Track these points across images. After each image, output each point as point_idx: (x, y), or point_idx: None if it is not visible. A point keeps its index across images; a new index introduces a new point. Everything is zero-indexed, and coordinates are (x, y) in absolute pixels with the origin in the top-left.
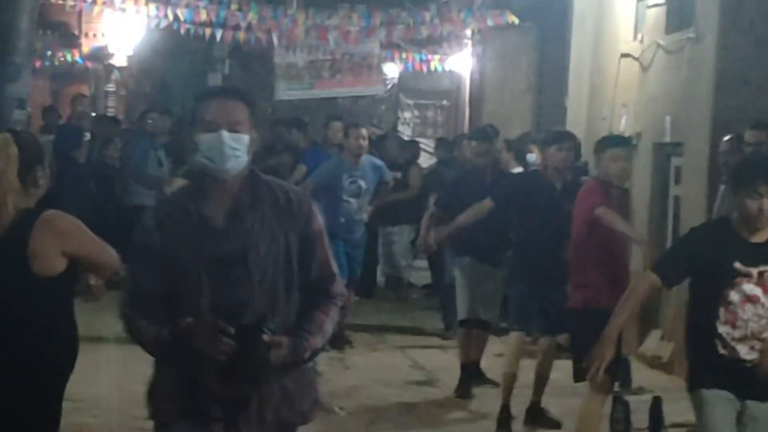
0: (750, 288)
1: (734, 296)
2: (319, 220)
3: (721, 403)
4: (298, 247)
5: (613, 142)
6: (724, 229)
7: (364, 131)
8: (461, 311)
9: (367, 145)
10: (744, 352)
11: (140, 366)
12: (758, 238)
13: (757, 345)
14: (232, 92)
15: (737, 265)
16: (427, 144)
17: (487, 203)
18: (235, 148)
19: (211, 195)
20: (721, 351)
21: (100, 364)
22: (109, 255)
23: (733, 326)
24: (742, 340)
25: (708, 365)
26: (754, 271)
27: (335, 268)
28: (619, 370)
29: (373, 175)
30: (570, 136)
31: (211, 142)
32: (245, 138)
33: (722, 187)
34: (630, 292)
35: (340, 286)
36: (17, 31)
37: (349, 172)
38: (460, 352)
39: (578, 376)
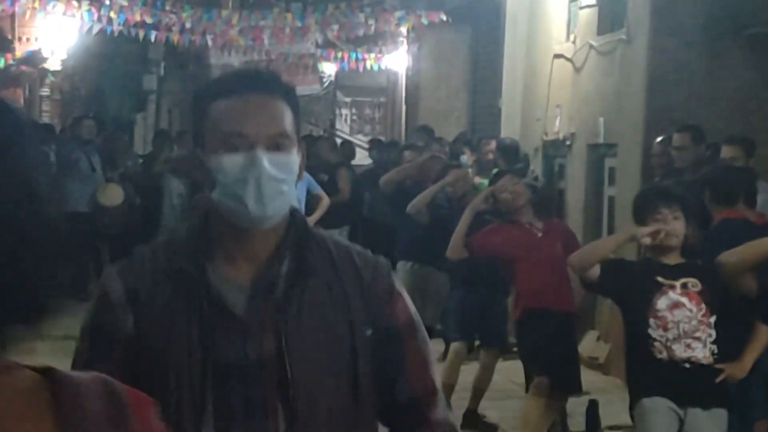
0: (675, 296)
1: (661, 304)
2: (407, 303)
3: (663, 412)
4: (374, 349)
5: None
6: (643, 260)
7: None
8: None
9: None
10: (680, 351)
11: None
12: (673, 261)
13: (693, 343)
14: (267, 82)
15: (659, 278)
16: (364, 142)
17: None
18: (279, 179)
19: (228, 256)
20: (659, 356)
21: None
22: None
23: (665, 329)
24: (676, 339)
25: (648, 373)
26: (677, 282)
27: (437, 382)
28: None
29: (299, 187)
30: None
31: (238, 170)
32: (294, 161)
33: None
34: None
35: (443, 409)
36: None
37: None
38: None
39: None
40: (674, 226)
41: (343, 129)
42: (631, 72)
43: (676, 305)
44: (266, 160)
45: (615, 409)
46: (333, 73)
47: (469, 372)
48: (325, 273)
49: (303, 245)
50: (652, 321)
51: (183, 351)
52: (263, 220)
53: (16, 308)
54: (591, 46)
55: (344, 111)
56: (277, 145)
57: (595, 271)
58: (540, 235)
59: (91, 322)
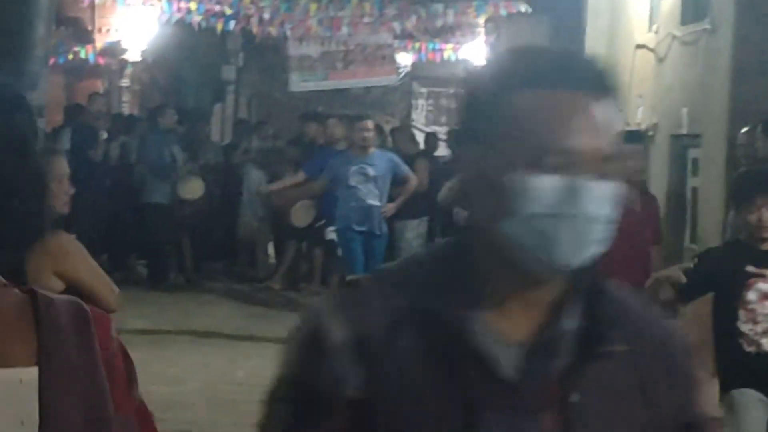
0: (766, 287)
1: (751, 296)
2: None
3: (753, 404)
4: None
5: None
6: (735, 244)
7: (369, 123)
8: None
9: (373, 136)
10: None
11: (162, 366)
12: (766, 246)
13: None
14: (600, 76)
15: (750, 268)
16: (440, 132)
17: None
18: (605, 220)
19: (500, 303)
20: (747, 349)
21: None
22: (106, 290)
23: (755, 322)
24: (765, 333)
25: (736, 366)
26: None
27: None
28: None
29: (386, 166)
30: None
31: (554, 201)
32: (619, 193)
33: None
34: None
35: None
36: (33, 39)
37: (355, 161)
38: None
39: None
40: (767, 217)
41: (419, 120)
42: (715, 62)
43: (766, 296)
44: (595, 192)
45: None
46: (409, 64)
47: None
48: (621, 336)
49: (595, 297)
50: (741, 313)
51: (431, 421)
52: (566, 270)
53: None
54: (674, 37)
55: (420, 102)
56: (604, 169)
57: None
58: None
59: (299, 378)
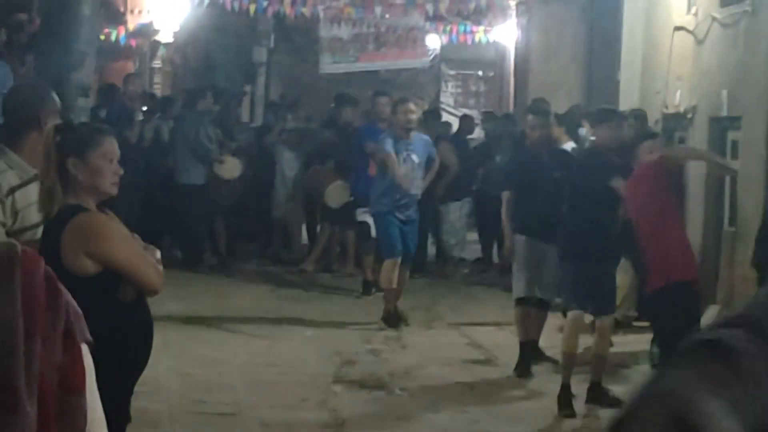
0: None
1: None
2: None
3: None
4: None
5: None
6: None
7: (412, 105)
8: (518, 289)
9: (415, 119)
10: None
11: (200, 348)
12: None
13: None
14: None
15: None
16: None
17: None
18: None
19: None
20: None
21: (159, 347)
22: (146, 271)
23: None
24: None
25: None
26: None
27: None
28: None
29: (424, 150)
30: (616, 114)
31: None
32: None
33: None
34: None
35: None
36: (80, 18)
37: (401, 147)
38: (519, 331)
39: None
40: None
41: (447, 102)
42: (755, 44)
43: None
44: None
45: None
46: (438, 47)
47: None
48: None
49: None
50: None
51: None
52: None
53: None
54: (713, 19)
55: (449, 84)
56: None
57: None
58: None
59: None
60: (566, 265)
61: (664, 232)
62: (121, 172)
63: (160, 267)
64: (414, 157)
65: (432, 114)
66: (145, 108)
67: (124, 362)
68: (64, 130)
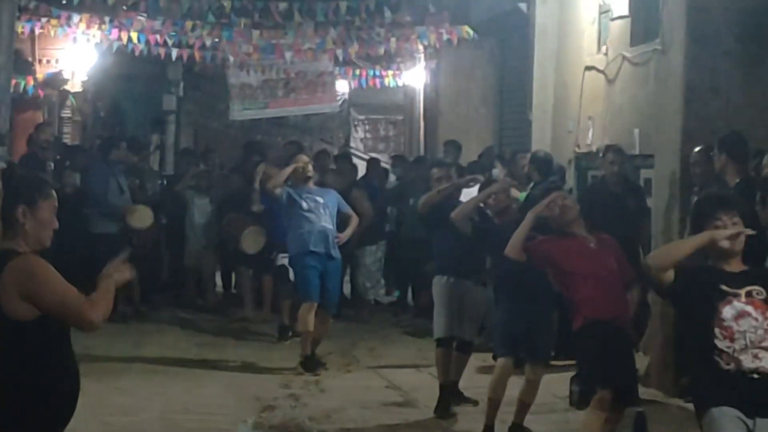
0: (740, 305)
1: (726, 314)
2: None
3: (731, 421)
4: None
5: None
6: (704, 266)
7: (304, 157)
8: (439, 329)
9: (311, 169)
10: (748, 361)
11: (117, 397)
12: (734, 268)
13: (760, 353)
14: None
15: (724, 287)
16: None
17: None
18: None
19: None
20: (725, 366)
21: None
22: (79, 307)
23: (732, 339)
24: (743, 350)
25: (715, 383)
26: (741, 291)
27: None
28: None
29: (330, 197)
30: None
31: None
32: None
33: (695, 199)
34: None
35: None
36: None
37: (301, 193)
38: (439, 372)
39: (582, 400)
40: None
41: (357, 147)
42: (666, 82)
43: (741, 314)
44: None
45: (655, 421)
46: (347, 92)
47: (514, 385)
48: None
49: None
50: (717, 331)
51: None
52: None
53: None
54: (624, 58)
55: (358, 129)
56: None
57: (670, 275)
58: (594, 247)
59: None
60: (502, 308)
61: None
62: (57, 225)
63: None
64: (318, 198)
65: (343, 158)
66: (58, 157)
67: (55, 411)
68: (13, 176)
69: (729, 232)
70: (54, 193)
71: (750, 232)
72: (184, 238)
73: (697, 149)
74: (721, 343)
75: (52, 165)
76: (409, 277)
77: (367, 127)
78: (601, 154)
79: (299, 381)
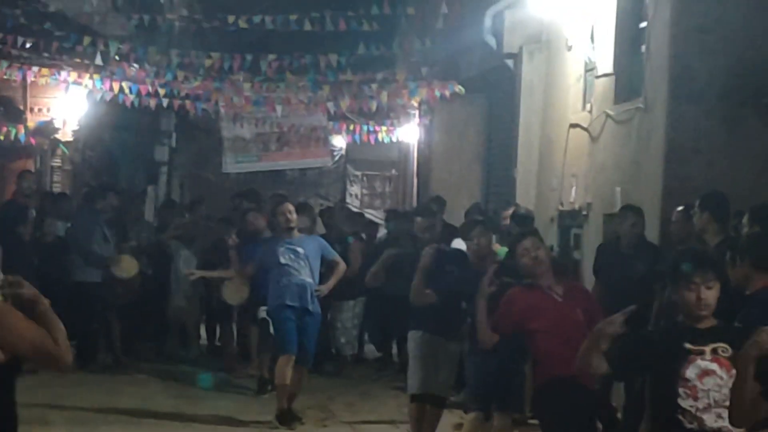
0: (705, 364)
1: (690, 373)
2: None
3: None
4: None
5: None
6: (672, 324)
7: (289, 206)
8: (413, 385)
9: (295, 218)
10: (711, 421)
11: None
12: (704, 324)
13: (723, 413)
14: None
15: (687, 345)
16: (374, 216)
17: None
18: None
19: None
20: (688, 426)
21: None
22: (51, 348)
23: (695, 398)
24: (706, 409)
25: None
26: (707, 348)
27: None
28: None
29: (314, 247)
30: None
31: None
32: None
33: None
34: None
35: None
36: None
37: (282, 243)
38: (413, 427)
39: None
40: (707, 295)
41: (353, 203)
42: (648, 140)
43: (705, 373)
44: None
45: None
46: (343, 147)
47: None
48: None
49: None
50: (681, 390)
51: None
52: None
53: None
54: (607, 115)
55: (355, 185)
56: None
57: (602, 365)
58: (560, 300)
59: None
60: (474, 360)
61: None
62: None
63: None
64: (298, 249)
65: (339, 210)
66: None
67: None
68: None
69: (619, 319)
70: None
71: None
72: (169, 288)
73: (678, 208)
74: (684, 402)
75: (34, 212)
76: (394, 332)
77: (363, 182)
78: (583, 212)
79: None
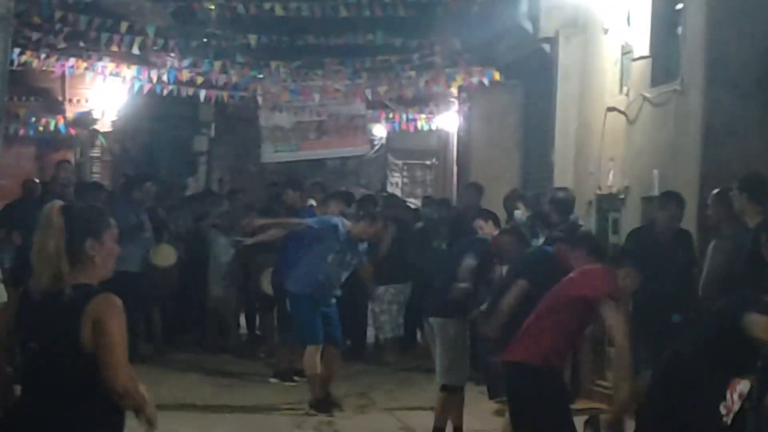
0: None
1: None
2: None
3: None
4: None
5: None
6: None
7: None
8: (461, 379)
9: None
10: None
11: None
12: None
13: None
14: None
15: None
16: (416, 204)
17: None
18: None
19: None
20: None
21: None
22: (122, 360)
23: None
24: None
25: None
26: None
27: None
28: None
29: (359, 251)
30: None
31: None
32: None
33: (713, 242)
34: None
35: None
36: None
37: (343, 241)
38: (439, 415)
39: None
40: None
41: (394, 191)
42: (685, 123)
43: None
44: None
45: None
46: (383, 136)
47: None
48: None
49: None
50: None
51: None
52: None
53: None
54: (644, 98)
55: (395, 174)
56: None
57: None
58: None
59: None
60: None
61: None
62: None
63: None
64: (348, 256)
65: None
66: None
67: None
68: (74, 212)
69: None
70: (113, 221)
71: None
72: (207, 277)
73: (714, 192)
74: None
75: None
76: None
77: (404, 171)
78: (621, 196)
79: (313, 421)
